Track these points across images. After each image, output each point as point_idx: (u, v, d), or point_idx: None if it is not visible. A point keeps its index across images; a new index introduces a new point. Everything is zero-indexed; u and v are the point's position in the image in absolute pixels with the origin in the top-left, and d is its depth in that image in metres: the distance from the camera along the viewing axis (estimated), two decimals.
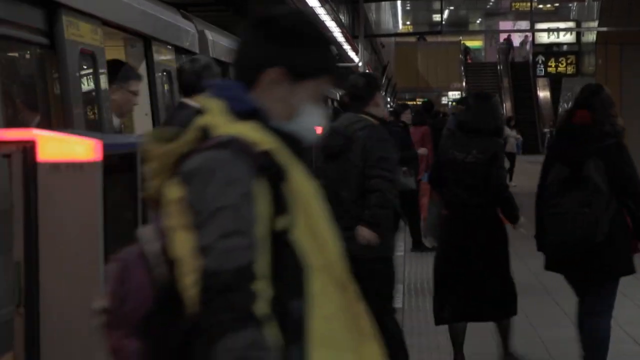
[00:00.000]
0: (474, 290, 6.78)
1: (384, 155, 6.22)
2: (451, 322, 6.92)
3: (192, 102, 5.71)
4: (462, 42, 57.66)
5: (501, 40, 58.39)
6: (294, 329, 2.19)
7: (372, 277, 6.06)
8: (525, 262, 9.88)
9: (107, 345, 2.30)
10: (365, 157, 6.19)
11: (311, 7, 21.48)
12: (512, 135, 26.63)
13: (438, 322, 6.97)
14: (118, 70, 5.98)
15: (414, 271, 11.48)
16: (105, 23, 6.38)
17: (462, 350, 6.96)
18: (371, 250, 6.13)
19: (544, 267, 6.45)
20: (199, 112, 2.30)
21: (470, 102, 7.29)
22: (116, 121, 5.87)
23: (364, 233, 6.13)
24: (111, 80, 5.79)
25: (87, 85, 6.10)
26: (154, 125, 7.60)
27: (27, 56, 5.64)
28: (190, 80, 5.58)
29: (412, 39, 52.93)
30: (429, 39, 53.69)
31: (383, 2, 45.89)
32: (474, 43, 71.78)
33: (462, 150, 6.83)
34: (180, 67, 5.98)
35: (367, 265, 6.03)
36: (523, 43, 49.52)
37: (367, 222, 6.14)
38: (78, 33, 5.83)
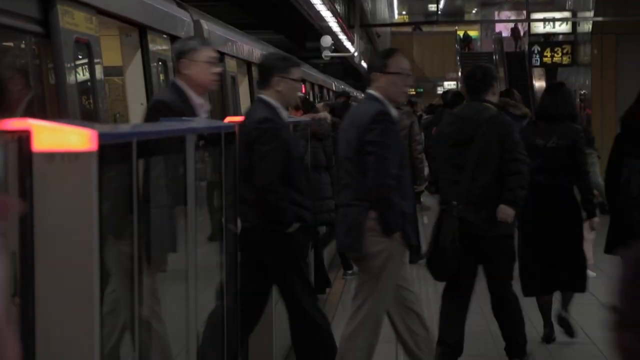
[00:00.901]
0: (559, 264, 7.53)
1: (518, 140, 6.76)
2: (540, 294, 7.71)
3: (376, 93, 5.90)
4: (464, 30, 57.46)
5: (497, 30, 58.31)
6: None
7: (499, 254, 6.69)
8: None
9: (618, 344, 2.23)
10: (502, 142, 6.67)
11: None
12: None
13: (528, 294, 7.67)
14: (277, 62, 6.13)
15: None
16: (100, 12, 6.36)
17: (551, 318, 7.82)
18: (501, 228, 6.63)
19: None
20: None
21: (545, 93, 7.92)
22: (284, 113, 6.02)
23: (507, 211, 6.59)
24: (272, 72, 5.94)
25: (82, 74, 6.08)
26: None
27: (22, 45, 5.63)
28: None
29: (408, 29, 52.88)
30: (425, 28, 53.63)
31: None
32: (469, 33, 71.70)
33: (543, 137, 7.38)
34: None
35: (494, 242, 6.63)
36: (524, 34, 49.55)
37: (510, 202, 6.61)
38: (73, 22, 5.81)
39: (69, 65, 5.69)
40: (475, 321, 8.15)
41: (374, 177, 5.70)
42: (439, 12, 44.07)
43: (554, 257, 7.56)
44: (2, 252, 1.82)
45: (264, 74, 6.07)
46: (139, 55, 7.57)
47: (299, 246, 6.14)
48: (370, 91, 5.98)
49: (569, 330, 7.92)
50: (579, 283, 7.73)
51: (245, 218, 5.82)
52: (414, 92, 48.36)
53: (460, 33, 58.99)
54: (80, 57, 6.04)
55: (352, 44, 30.42)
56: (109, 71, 7.24)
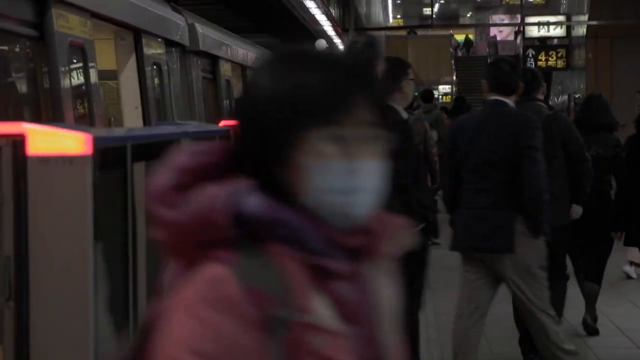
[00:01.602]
0: (589, 257, 8.14)
1: (581, 140, 7.30)
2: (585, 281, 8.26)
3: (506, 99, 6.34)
4: (465, 34, 57.38)
5: (491, 34, 58.34)
6: None
7: (554, 245, 6.92)
8: None
9: None
10: (564, 141, 7.15)
11: (301, 0, 21.45)
12: None
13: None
14: (401, 66, 6.60)
15: None
16: (94, 15, 6.35)
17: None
18: (557, 220, 6.89)
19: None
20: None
21: (584, 104, 8.45)
22: (404, 114, 6.34)
23: (579, 211, 7.30)
24: (400, 77, 6.38)
25: (76, 78, 6.07)
26: (143, 118, 7.57)
27: (17, 49, 5.62)
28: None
29: (403, 33, 52.83)
30: (420, 32, 53.63)
31: None
32: (464, 37, 71.70)
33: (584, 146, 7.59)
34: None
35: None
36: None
37: (582, 202, 7.33)
38: (67, 25, 5.80)
39: (63, 68, 5.68)
40: None
41: (531, 180, 5.97)
42: (434, 16, 44.15)
43: (593, 251, 8.10)
44: (388, 278, 1.74)
45: (390, 79, 6.39)
46: (133, 58, 7.56)
47: (422, 246, 6.43)
48: (499, 98, 6.29)
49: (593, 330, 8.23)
50: (597, 277, 8.18)
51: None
52: None
53: (461, 37, 59.02)
54: (74, 60, 6.03)
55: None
56: (103, 75, 7.24)
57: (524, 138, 6.03)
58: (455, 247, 6.46)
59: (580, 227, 7.64)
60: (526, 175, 5.97)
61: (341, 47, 30.45)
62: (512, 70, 6.44)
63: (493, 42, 50.28)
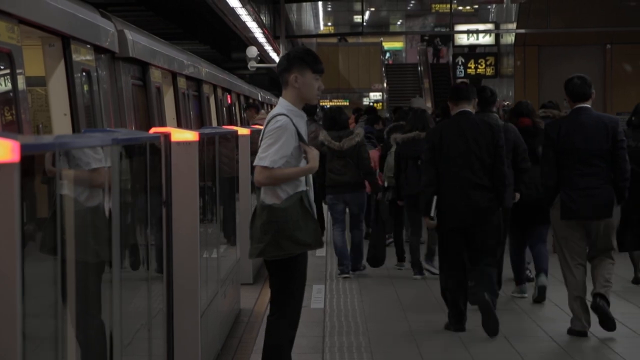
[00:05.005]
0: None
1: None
2: (632, 250, 10.23)
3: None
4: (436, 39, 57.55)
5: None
6: None
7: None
8: None
9: None
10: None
11: (232, 8, 21.42)
12: None
13: (622, 249, 9.80)
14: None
15: (335, 271, 11.48)
16: (22, 21, 6.28)
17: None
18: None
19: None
20: None
21: (635, 110, 10.30)
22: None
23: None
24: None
25: (4, 84, 6.01)
26: (72, 125, 7.51)
27: None
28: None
29: (334, 40, 53.06)
30: (350, 40, 53.86)
31: (304, 3, 45.96)
32: (394, 44, 72.09)
33: (634, 140, 9.91)
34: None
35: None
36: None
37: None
38: None
39: None
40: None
41: (627, 166, 7.87)
42: (364, 24, 44.37)
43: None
44: None
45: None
46: (62, 65, 7.50)
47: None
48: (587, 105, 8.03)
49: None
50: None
51: (484, 198, 8.04)
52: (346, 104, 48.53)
53: (391, 45, 59.19)
54: (1, 67, 5.97)
55: (278, 54, 30.44)
56: (31, 81, 7.17)
57: (618, 134, 7.86)
58: None
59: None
60: (619, 163, 7.84)
61: (272, 54, 30.47)
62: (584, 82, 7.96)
63: (423, 50, 50.62)
